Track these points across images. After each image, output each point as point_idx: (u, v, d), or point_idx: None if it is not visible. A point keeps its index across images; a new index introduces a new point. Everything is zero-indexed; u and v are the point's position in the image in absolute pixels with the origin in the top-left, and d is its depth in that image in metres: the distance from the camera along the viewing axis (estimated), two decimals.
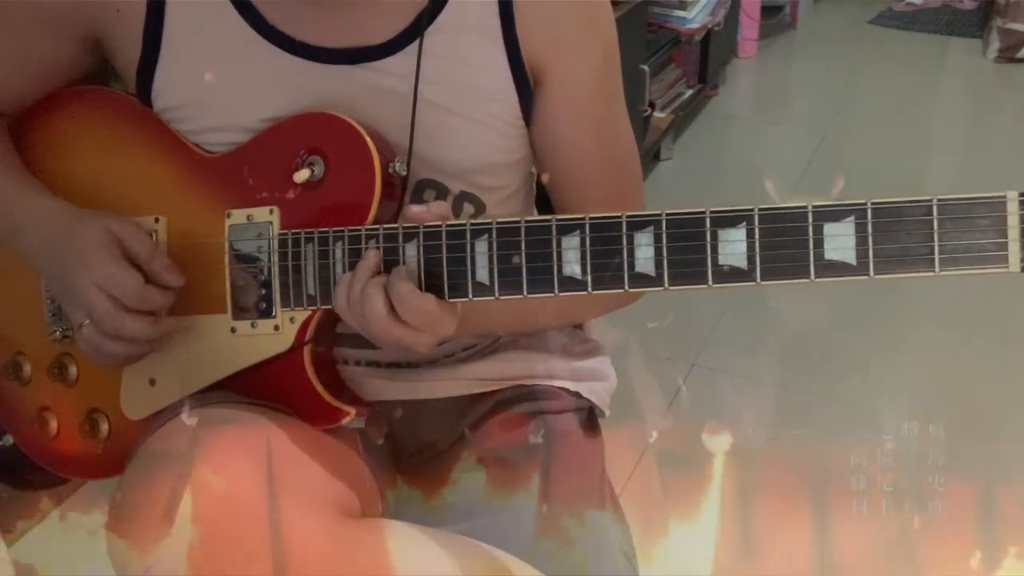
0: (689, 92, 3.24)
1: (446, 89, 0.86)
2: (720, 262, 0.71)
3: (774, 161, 3.20)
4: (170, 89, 0.88)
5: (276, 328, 0.84)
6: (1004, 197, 0.65)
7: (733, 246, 0.70)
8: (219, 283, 0.86)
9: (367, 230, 0.80)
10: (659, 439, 1.81)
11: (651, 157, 3.00)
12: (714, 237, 0.71)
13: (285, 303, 0.84)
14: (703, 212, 0.71)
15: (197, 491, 0.71)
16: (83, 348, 0.86)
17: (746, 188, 2.84)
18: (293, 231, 0.83)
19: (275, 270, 0.84)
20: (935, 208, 0.66)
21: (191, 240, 0.87)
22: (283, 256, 0.83)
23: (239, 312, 0.85)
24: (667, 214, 0.72)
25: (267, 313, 0.84)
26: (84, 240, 0.83)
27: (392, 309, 0.76)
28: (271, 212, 0.84)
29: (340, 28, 0.86)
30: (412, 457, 0.98)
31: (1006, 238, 0.65)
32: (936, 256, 0.66)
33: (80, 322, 0.84)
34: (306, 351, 0.84)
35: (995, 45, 3.88)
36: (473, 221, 0.77)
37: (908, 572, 1.53)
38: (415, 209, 0.78)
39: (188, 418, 0.79)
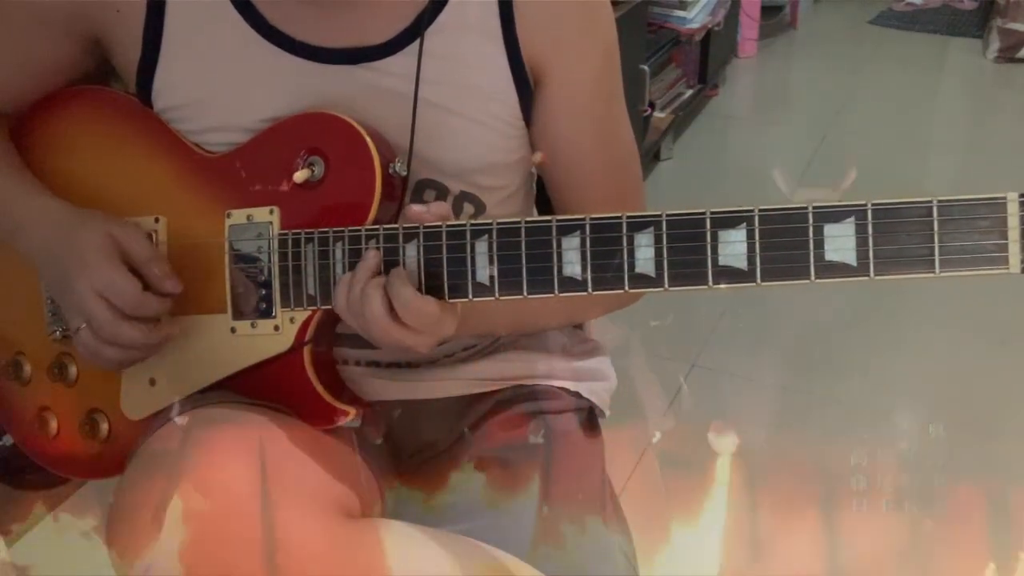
0: (689, 92, 3.24)
1: (446, 89, 0.86)
2: (720, 263, 0.71)
3: (774, 161, 3.20)
4: (170, 89, 0.88)
5: (276, 328, 0.84)
6: (1004, 198, 0.65)
7: (733, 247, 0.70)
8: (219, 283, 0.86)
9: (367, 230, 0.80)
10: (660, 439, 1.81)
11: (651, 157, 3.00)
12: (714, 238, 0.71)
13: (285, 303, 0.84)
14: (703, 213, 0.71)
15: (191, 491, 0.71)
16: (79, 352, 0.86)
17: (746, 188, 2.84)
18: (293, 231, 0.83)
19: (275, 270, 0.84)
20: (935, 209, 0.66)
21: (191, 240, 0.87)
22: (283, 256, 0.83)
23: (239, 312, 0.85)
24: (667, 215, 0.72)
25: (267, 313, 0.84)
26: (84, 243, 0.83)
27: (392, 310, 0.76)
28: (271, 212, 0.84)
29: (340, 28, 0.86)
30: (412, 457, 0.98)
31: (1006, 239, 0.65)
32: (936, 257, 0.66)
33: (77, 326, 0.84)
34: (306, 351, 0.84)
35: (995, 45, 3.88)
36: (473, 221, 0.77)
37: (908, 571, 1.53)
38: (415, 209, 0.78)
39: (182, 418, 0.79)
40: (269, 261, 0.84)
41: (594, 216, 0.74)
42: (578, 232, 0.74)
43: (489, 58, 0.87)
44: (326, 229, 0.81)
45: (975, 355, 2.12)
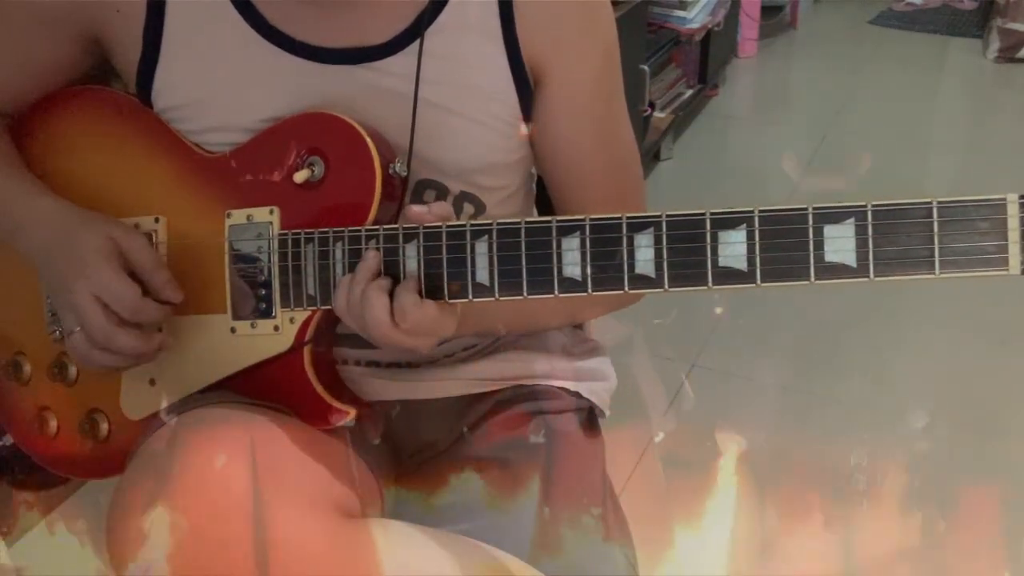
0: (689, 92, 3.24)
1: (446, 89, 0.86)
2: (720, 264, 0.71)
3: (774, 161, 3.20)
4: (170, 89, 0.88)
5: (276, 328, 0.84)
6: (1004, 199, 0.65)
7: (733, 248, 0.70)
8: (219, 283, 0.86)
9: (367, 230, 0.80)
10: (660, 440, 1.81)
11: (651, 157, 3.00)
12: (714, 239, 0.71)
13: (285, 303, 0.84)
14: (703, 214, 0.71)
15: (186, 492, 0.71)
16: (71, 354, 0.86)
17: (746, 188, 2.84)
18: (293, 231, 0.83)
19: (275, 270, 0.84)
20: (935, 210, 0.66)
21: (191, 240, 0.87)
22: (283, 256, 0.83)
23: (239, 312, 0.85)
24: (667, 215, 0.72)
25: (267, 313, 0.84)
26: (85, 246, 0.83)
27: (392, 314, 0.76)
28: (271, 212, 0.84)
29: (340, 28, 0.86)
30: (412, 457, 0.98)
31: (1006, 240, 0.65)
32: (936, 258, 0.66)
33: (71, 329, 0.84)
34: (306, 351, 0.84)
35: (995, 45, 3.88)
36: (473, 222, 0.77)
37: (908, 571, 1.53)
38: (416, 209, 0.78)
39: (179, 418, 0.79)
40: (269, 261, 0.84)
41: (594, 217, 0.74)
42: (578, 232, 0.74)
43: (489, 58, 0.87)
44: (326, 229, 0.81)
45: (975, 355, 2.12)
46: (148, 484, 0.73)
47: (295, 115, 0.85)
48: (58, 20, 0.89)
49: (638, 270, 0.73)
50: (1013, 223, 0.64)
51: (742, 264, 0.70)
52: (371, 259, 0.78)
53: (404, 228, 0.79)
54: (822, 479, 1.71)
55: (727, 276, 0.71)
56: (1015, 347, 2.11)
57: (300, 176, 0.82)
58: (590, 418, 1.01)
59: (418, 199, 0.89)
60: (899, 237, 0.67)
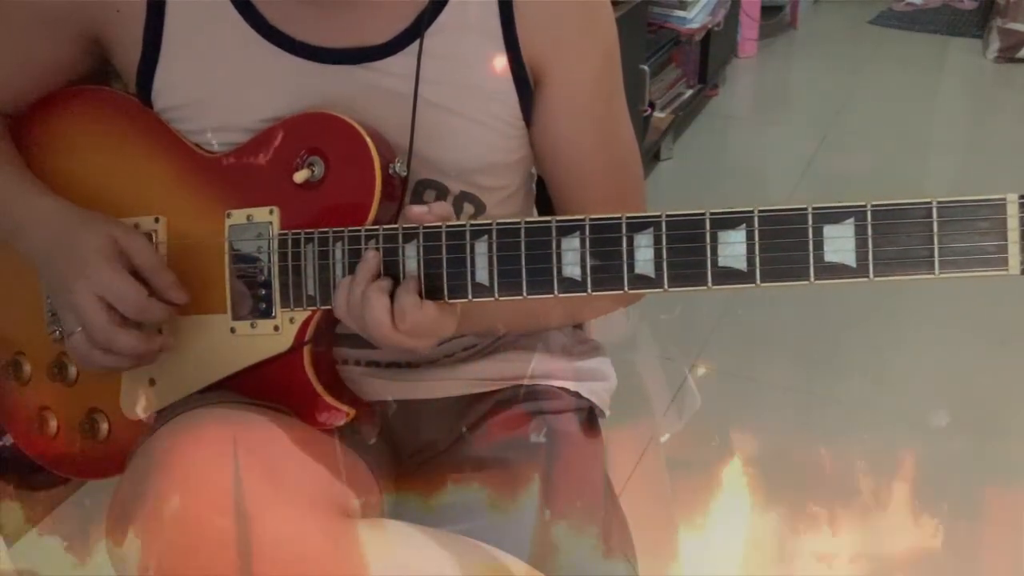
0: (689, 92, 3.24)
1: (446, 89, 0.86)
2: (720, 264, 0.71)
3: (774, 161, 3.20)
4: (170, 89, 0.88)
5: (276, 328, 0.84)
6: (1004, 199, 0.65)
7: (733, 248, 0.70)
8: (219, 283, 0.86)
9: (367, 230, 0.80)
10: (660, 440, 1.81)
11: (651, 157, 3.00)
12: (714, 239, 0.71)
13: (285, 303, 0.84)
14: (703, 214, 0.71)
15: (183, 491, 0.71)
16: (71, 355, 0.86)
17: (746, 188, 2.84)
18: (293, 231, 0.83)
19: (275, 270, 0.84)
20: (935, 210, 0.66)
21: (191, 240, 0.87)
22: (283, 256, 0.83)
23: (239, 312, 0.85)
24: (667, 215, 0.72)
25: (267, 313, 0.84)
26: (86, 247, 0.83)
27: (392, 315, 0.76)
28: (271, 212, 0.84)
29: (340, 28, 0.86)
30: (412, 457, 0.98)
31: (1006, 240, 0.65)
32: (936, 258, 0.66)
33: (71, 329, 0.83)
34: (306, 351, 0.84)
35: (995, 45, 3.88)
36: (473, 222, 0.77)
37: (908, 570, 1.53)
38: (416, 210, 0.78)
39: (177, 420, 0.79)
40: (269, 261, 0.84)
41: (594, 217, 0.74)
42: (578, 233, 0.74)
43: (489, 58, 0.86)
44: (326, 229, 0.81)
45: (975, 355, 2.12)
46: (147, 484, 0.73)
47: (295, 115, 0.85)
48: (58, 20, 0.89)
49: (638, 270, 0.73)
50: (1013, 223, 0.64)
51: (742, 264, 0.70)
52: (371, 259, 0.78)
53: (404, 228, 0.79)
54: (822, 479, 1.71)
55: (727, 276, 0.71)
56: (1015, 347, 2.11)
57: (300, 176, 0.82)
58: (590, 418, 1.01)
59: (418, 199, 0.89)
60: (899, 237, 0.67)
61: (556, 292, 0.75)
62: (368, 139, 0.81)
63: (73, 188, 0.91)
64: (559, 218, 0.75)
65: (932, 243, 0.66)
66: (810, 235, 0.69)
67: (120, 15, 0.87)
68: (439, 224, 0.78)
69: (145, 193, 0.89)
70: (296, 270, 0.83)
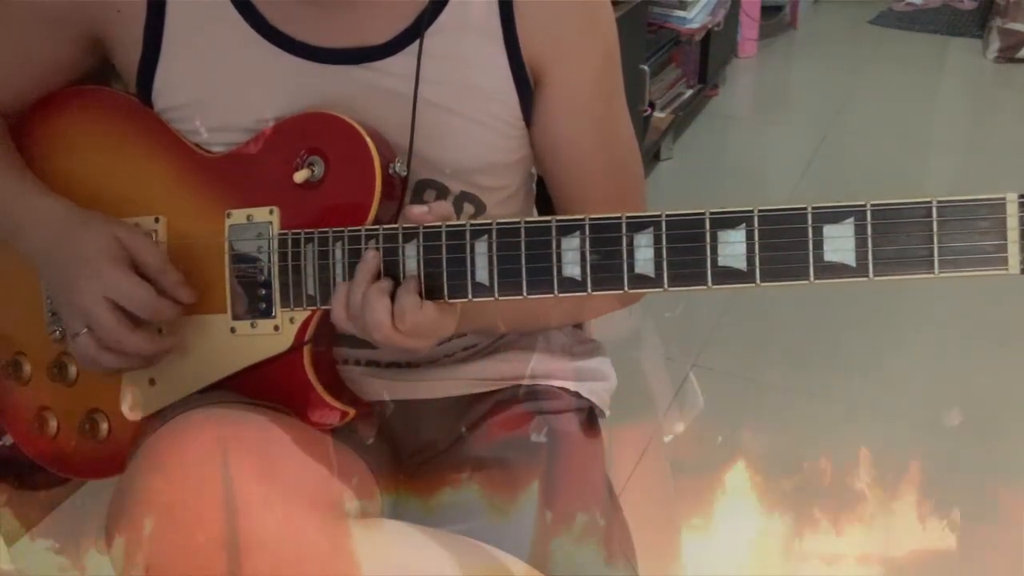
0: (689, 92, 3.24)
1: (446, 89, 0.86)
2: (720, 263, 0.71)
3: (774, 161, 3.20)
4: (170, 89, 0.88)
5: (276, 328, 0.84)
6: (1004, 199, 0.65)
7: (733, 247, 0.70)
8: (219, 283, 0.86)
9: (367, 230, 0.80)
10: (659, 439, 1.81)
11: (651, 157, 3.00)
12: (714, 238, 0.71)
13: (285, 303, 0.84)
14: (703, 213, 0.71)
15: (176, 492, 0.71)
16: (77, 357, 0.85)
17: (746, 188, 2.84)
18: (293, 231, 0.83)
19: (275, 270, 0.84)
20: (934, 210, 0.66)
21: (191, 240, 0.87)
22: (283, 256, 0.83)
23: (239, 312, 0.85)
24: (667, 215, 0.72)
25: (267, 313, 0.84)
26: (90, 247, 0.83)
27: (393, 316, 0.77)
28: (271, 212, 0.84)
29: (340, 28, 0.86)
30: (412, 457, 0.98)
31: (1005, 240, 0.65)
32: (936, 258, 0.66)
33: (77, 331, 0.83)
34: (306, 351, 0.84)
35: (995, 45, 3.88)
36: (473, 222, 0.77)
37: (908, 570, 1.53)
38: (416, 211, 0.78)
39: (184, 417, 0.79)
40: (269, 261, 0.84)
41: (593, 216, 0.74)
42: (578, 232, 0.74)
43: (489, 58, 0.87)
44: (326, 229, 0.81)
45: (975, 355, 2.12)
46: (147, 484, 0.73)
47: (295, 115, 0.85)
48: (59, 20, 0.90)
49: (638, 270, 0.73)
50: (1012, 222, 0.65)
51: (741, 264, 0.70)
52: (370, 259, 0.78)
53: (404, 228, 0.79)
54: (822, 479, 1.71)
55: (727, 276, 0.71)
56: (1015, 347, 2.11)
57: (300, 176, 0.82)
58: (590, 418, 1.01)
59: (418, 199, 0.89)
60: (898, 237, 0.67)
61: (556, 292, 0.75)
62: (368, 139, 0.81)
63: (73, 188, 0.91)
64: (559, 218, 0.75)
65: (932, 243, 0.66)
66: (810, 235, 0.69)
67: (120, 15, 0.87)
68: (439, 224, 0.78)
69: (145, 193, 0.89)
70: (296, 270, 0.83)
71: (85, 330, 0.83)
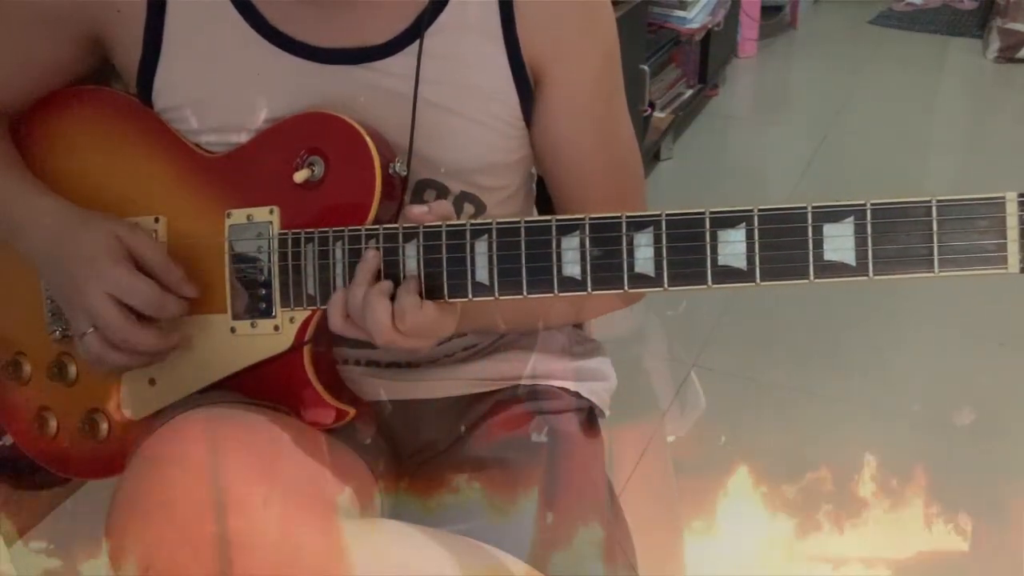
0: (689, 92, 3.24)
1: (446, 89, 0.86)
2: (720, 263, 0.71)
3: (774, 161, 3.20)
4: (170, 89, 0.88)
5: (276, 328, 0.84)
6: (1003, 198, 0.65)
7: (733, 247, 0.70)
8: (219, 283, 0.86)
9: (367, 230, 0.80)
10: (661, 439, 1.81)
11: (651, 157, 3.00)
12: (714, 238, 0.71)
13: (285, 303, 0.84)
14: (703, 213, 0.71)
15: (176, 491, 0.71)
16: (84, 356, 0.85)
17: (746, 188, 2.84)
18: (293, 231, 0.83)
19: (275, 270, 0.84)
20: (934, 209, 0.66)
21: (191, 240, 0.87)
22: (283, 256, 0.83)
23: (239, 312, 0.85)
24: (667, 214, 0.72)
25: (267, 313, 0.84)
26: (91, 246, 0.83)
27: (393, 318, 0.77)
28: (271, 212, 0.84)
29: (340, 28, 0.86)
30: (412, 457, 0.98)
31: (1005, 239, 0.65)
32: (935, 257, 0.66)
33: (83, 330, 0.83)
34: (306, 351, 0.84)
35: (995, 45, 3.88)
36: (473, 221, 0.77)
37: (908, 570, 1.53)
38: (416, 210, 0.78)
39: (183, 417, 0.79)
40: (269, 261, 0.84)
41: (593, 216, 0.74)
42: (578, 232, 0.74)
43: (489, 58, 0.87)
44: (326, 229, 0.81)
45: (975, 355, 2.12)
46: (147, 484, 0.73)
47: (295, 115, 0.85)
48: (59, 20, 0.89)
49: (638, 269, 0.73)
50: (1012, 221, 0.65)
51: (741, 263, 0.70)
52: (371, 259, 0.78)
53: (404, 228, 0.79)
54: (823, 478, 1.71)
55: (727, 275, 0.71)
56: (1015, 347, 2.11)
57: (300, 176, 0.82)
58: (590, 418, 1.01)
59: (418, 199, 0.89)
60: (898, 236, 0.67)
61: (556, 291, 0.75)
62: (368, 139, 0.81)
63: (73, 188, 0.91)
64: (559, 217, 0.75)
65: (931, 241, 0.66)
66: (810, 234, 0.69)
67: (121, 15, 0.87)
68: (439, 224, 0.78)
69: (145, 193, 0.89)
70: (296, 270, 0.83)
71: (92, 329, 0.83)
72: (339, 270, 0.81)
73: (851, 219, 0.68)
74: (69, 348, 0.92)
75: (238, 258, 0.85)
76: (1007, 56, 3.85)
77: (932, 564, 1.54)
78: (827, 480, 1.71)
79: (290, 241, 0.83)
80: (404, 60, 0.85)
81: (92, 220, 0.86)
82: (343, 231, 0.81)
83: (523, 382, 0.98)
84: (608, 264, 0.74)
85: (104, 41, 0.90)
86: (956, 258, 0.66)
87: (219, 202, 0.86)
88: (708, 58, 3.30)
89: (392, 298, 0.77)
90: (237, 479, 0.73)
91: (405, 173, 0.83)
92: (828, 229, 0.68)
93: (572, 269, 0.74)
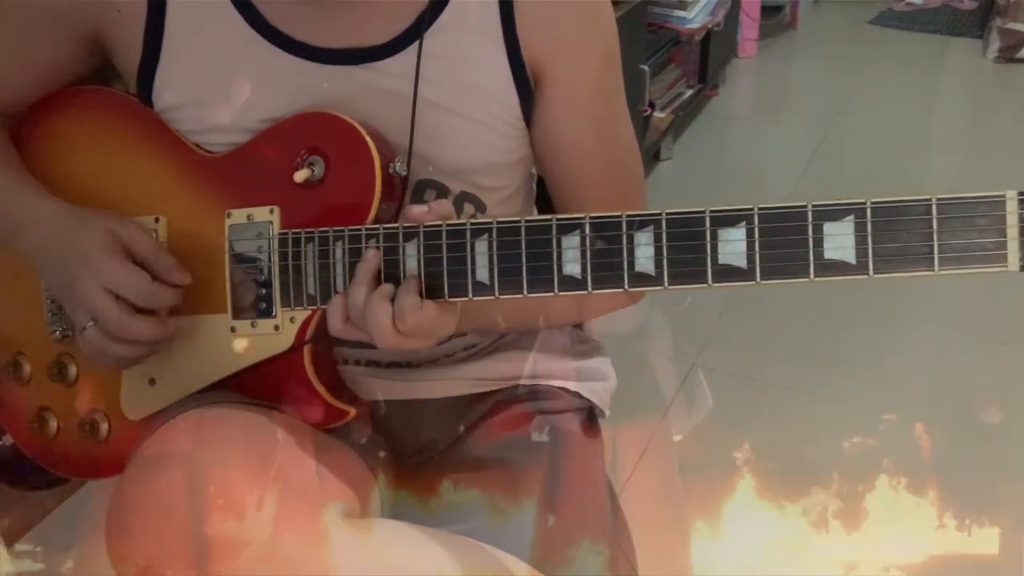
0: (689, 92, 3.24)
1: (446, 89, 0.86)
2: (720, 261, 0.71)
3: (774, 161, 3.20)
4: (171, 89, 0.88)
5: (276, 328, 0.84)
6: (1003, 196, 0.65)
7: (733, 245, 0.70)
8: (219, 283, 0.86)
9: (367, 230, 0.80)
10: (663, 439, 1.81)
11: (651, 157, 3.00)
12: (714, 236, 0.71)
13: (285, 303, 0.84)
14: (703, 212, 0.71)
15: (177, 491, 0.71)
16: (86, 351, 0.85)
17: (746, 188, 2.84)
18: (293, 231, 0.83)
19: (275, 270, 0.84)
20: (934, 207, 0.66)
21: (191, 240, 0.87)
22: (283, 256, 0.83)
23: (239, 312, 0.85)
24: (667, 214, 0.72)
25: (267, 313, 0.84)
26: (86, 242, 0.83)
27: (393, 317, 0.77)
28: (271, 212, 0.84)
29: (340, 28, 0.86)
30: (412, 457, 0.98)
31: (1005, 237, 0.65)
32: (935, 255, 0.66)
33: (83, 325, 0.83)
34: (306, 351, 0.84)
35: (995, 45, 3.88)
36: (473, 221, 0.77)
37: (908, 569, 1.53)
38: (416, 210, 0.78)
39: (184, 417, 0.79)
40: (269, 261, 0.84)
41: (594, 215, 0.74)
42: (578, 231, 0.74)
43: (489, 58, 0.87)
44: (326, 228, 0.81)
45: (975, 355, 2.12)
46: (147, 484, 0.73)
47: (295, 115, 0.85)
48: (59, 20, 0.90)
49: (638, 268, 0.73)
50: (1012, 220, 0.65)
51: (742, 262, 0.70)
52: (371, 258, 0.78)
53: (404, 227, 0.79)
54: (823, 478, 1.71)
55: (727, 274, 0.71)
56: (1015, 347, 2.11)
57: (300, 176, 0.82)
58: (590, 418, 1.01)
59: (418, 199, 0.89)
60: (898, 234, 0.67)
61: (556, 290, 0.75)
62: (368, 138, 0.81)
63: (73, 188, 0.91)
64: (559, 216, 0.75)
65: (932, 240, 0.66)
66: (810, 232, 0.69)
67: (121, 15, 0.87)
68: (439, 223, 0.78)
69: (145, 193, 0.89)
70: (296, 269, 0.83)
71: (91, 323, 0.83)
72: (339, 270, 0.81)
73: (851, 218, 0.68)
74: (69, 348, 0.92)
75: (238, 258, 0.85)
76: (1007, 56, 3.85)
77: (932, 563, 1.54)
78: (827, 479, 1.71)
79: (290, 241, 0.83)
80: (404, 60, 0.85)
81: (89, 218, 0.86)
82: (343, 231, 0.81)
83: (523, 382, 0.98)
84: (608, 263, 0.74)
85: (104, 41, 0.90)
86: (956, 256, 0.66)
87: (219, 202, 0.86)
88: (708, 58, 3.30)
89: (392, 299, 0.77)
90: (237, 479, 0.73)
91: (405, 173, 0.83)
92: (828, 228, 0.68)
93: (572, 268, 0.74)
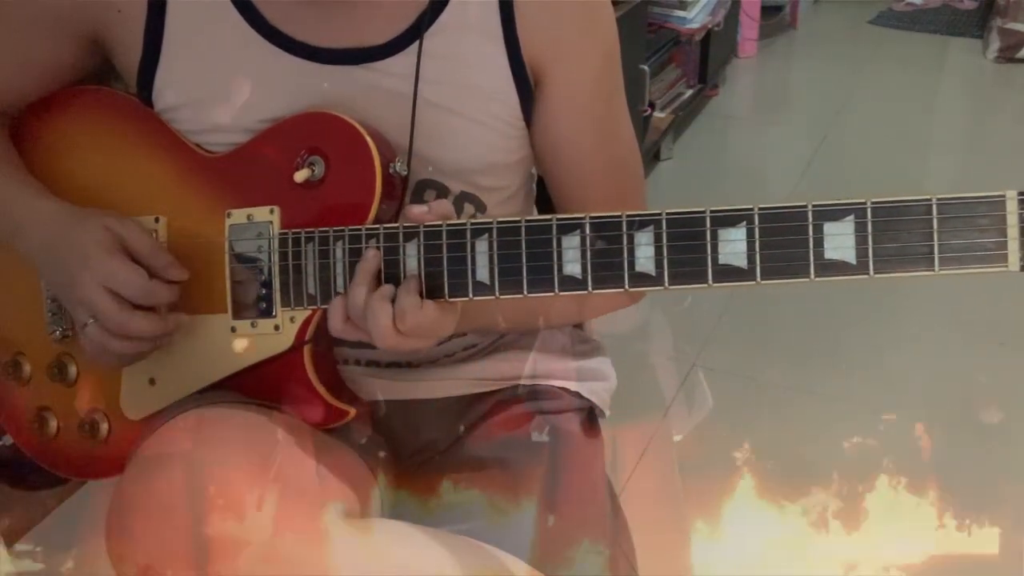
0: (689, 92, 3.24)
1: (446, 89, 0.86)
2: (720, 261, 0.71)
3: (774, 161, 3.20)
4: (171, 89, 0.88)
5: (276, 328, 0.84)
6: (1003, 196, 0.65)
7: (733, 245, 0.70)
8: (219, 283, 0.86)
9: (367, 230, 0.80)
10: (660, 440, 1.81)
11: (651, 157, 3.00)
12: (714, 236, 0.71)
13: (285, 303, 0.84)
14: (703, 212, 0.71)
15: (178, 491, 0.72)
16: (87, 348, 0.85)
17: (746, 188, 2.84)
18: (293, 231, 0.83)
19: (275, 270, 0.84)
20: (935, 207, 0.66)
21: (191, 240, 0.87)
22: (283, 256, 0.83)
23: (239, 312, 0.85)
24: (667, 214, 0.72)
25: (267, 313, 0.84)
26: (84, 240, 0.83)
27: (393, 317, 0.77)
28: (271, 212, 0.84)
29: (340, 28, 0.86)
30: (412, 457, 0.98)
31: (1005, 237, 0.65)
32: (936, 255, 0.66)
33: (84, 322, 0.84)
34: (306, 351, 0.84)
35: (995, 45, 3.88)
36: (473, 221, 0.77)
37: (908, 569, 1.53)
38: (416, 210, 0.78)
39: (184, 417, 0.79)
40: (269, 261, 0.84)
41: (594, 215, 0.74)
42: (578, 231, 0.74)
43: (489, 58, 0.87)
44: (326, 228, 0.81)
45: (975, 355, 2.12)
46: (147, 484, 0.73)
47: (295, 115, 0.85)
48: (59, 20, 0.90)
49: (638, 268, 0.73)
50: (1012, 220, 0.65)
51: (742, 262, 0.70)
52: (371, 258, 0.78)
53: (404, 227, 0.79)
54: (823, 478, 1.71)
55: (727, 274, 0.71)
56: (1015, 347, 2.11)
57: (300, 176, 0.82)
58: (590, 418, 1.01)
59: (419, 199, 0.89)
60: (899, 234, 0.67)
61: (556, 290, 0.75)
62: (368, 138, 0.81)
63: (73, 188, 0.91)
64: (559, 216, 0.75)
65: (932, 240, 0.66)
66: (810, 232, 0.69)
67: (121, 15, 0.87)
68: (440, 223, 0.78)
69: (145, 193, 0.89)
70: (296, 269, 0.83)
71: (91, 320, 0.83)
72: (339, 270, 0.81)
73: (851, 217, 0.68)
74: (69, 348, 0.92)
75: (238, 258, 0.85)
76: (1007, 56, 3.85)
77: (932, 563, 1.54)
78: (827, 479, 1.71)
79: (290, 241, 0.83)
80: (404, 60, 0.85)
81: (88, 218, 0.86)
82: (343, 231, 0.81)
83: (523, 382, 0.98)
84: (608, 263, 0.74)
85: (104, 41, 0.90)
86: (956, 256, 0.66)
87: (219, 202, 0.86)
88: (708, 58, 3.30)
89: (392, 299, 0.77)
90: (236, 479, 0.73)
91: (405, 173, 0.83)
92: (828, 227, 0.68)
93: (573, 268, 0.74)
